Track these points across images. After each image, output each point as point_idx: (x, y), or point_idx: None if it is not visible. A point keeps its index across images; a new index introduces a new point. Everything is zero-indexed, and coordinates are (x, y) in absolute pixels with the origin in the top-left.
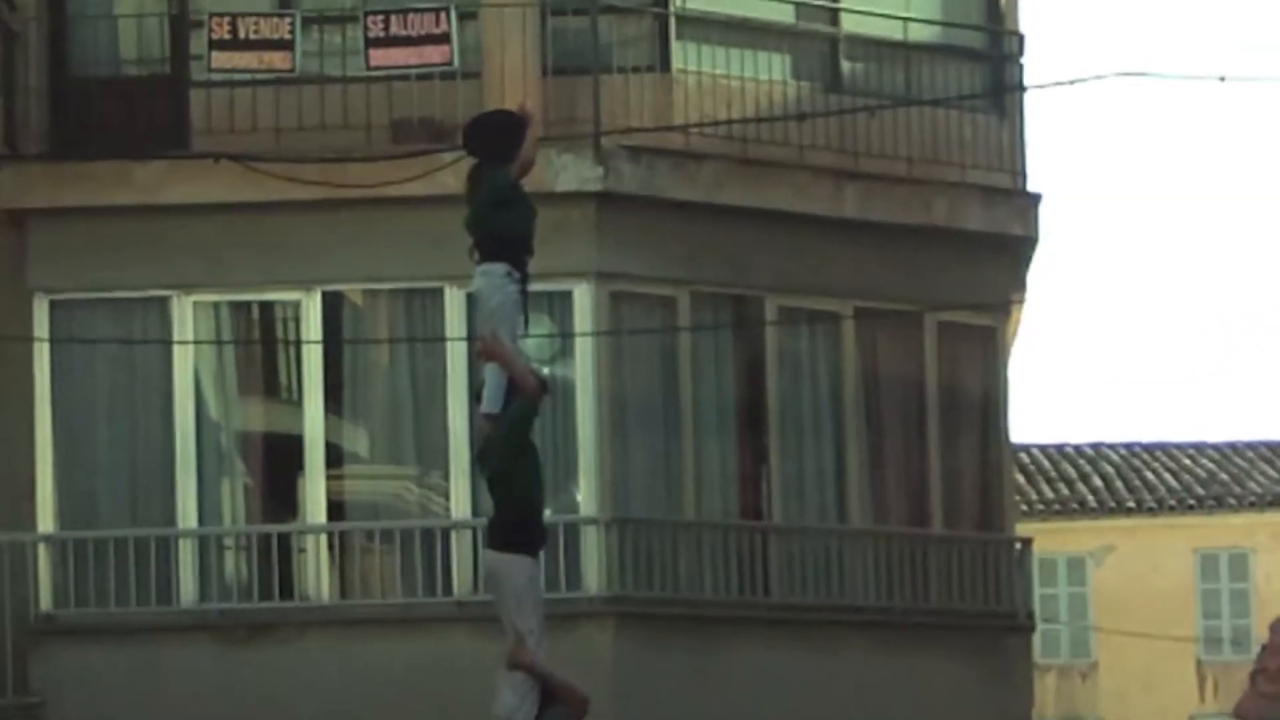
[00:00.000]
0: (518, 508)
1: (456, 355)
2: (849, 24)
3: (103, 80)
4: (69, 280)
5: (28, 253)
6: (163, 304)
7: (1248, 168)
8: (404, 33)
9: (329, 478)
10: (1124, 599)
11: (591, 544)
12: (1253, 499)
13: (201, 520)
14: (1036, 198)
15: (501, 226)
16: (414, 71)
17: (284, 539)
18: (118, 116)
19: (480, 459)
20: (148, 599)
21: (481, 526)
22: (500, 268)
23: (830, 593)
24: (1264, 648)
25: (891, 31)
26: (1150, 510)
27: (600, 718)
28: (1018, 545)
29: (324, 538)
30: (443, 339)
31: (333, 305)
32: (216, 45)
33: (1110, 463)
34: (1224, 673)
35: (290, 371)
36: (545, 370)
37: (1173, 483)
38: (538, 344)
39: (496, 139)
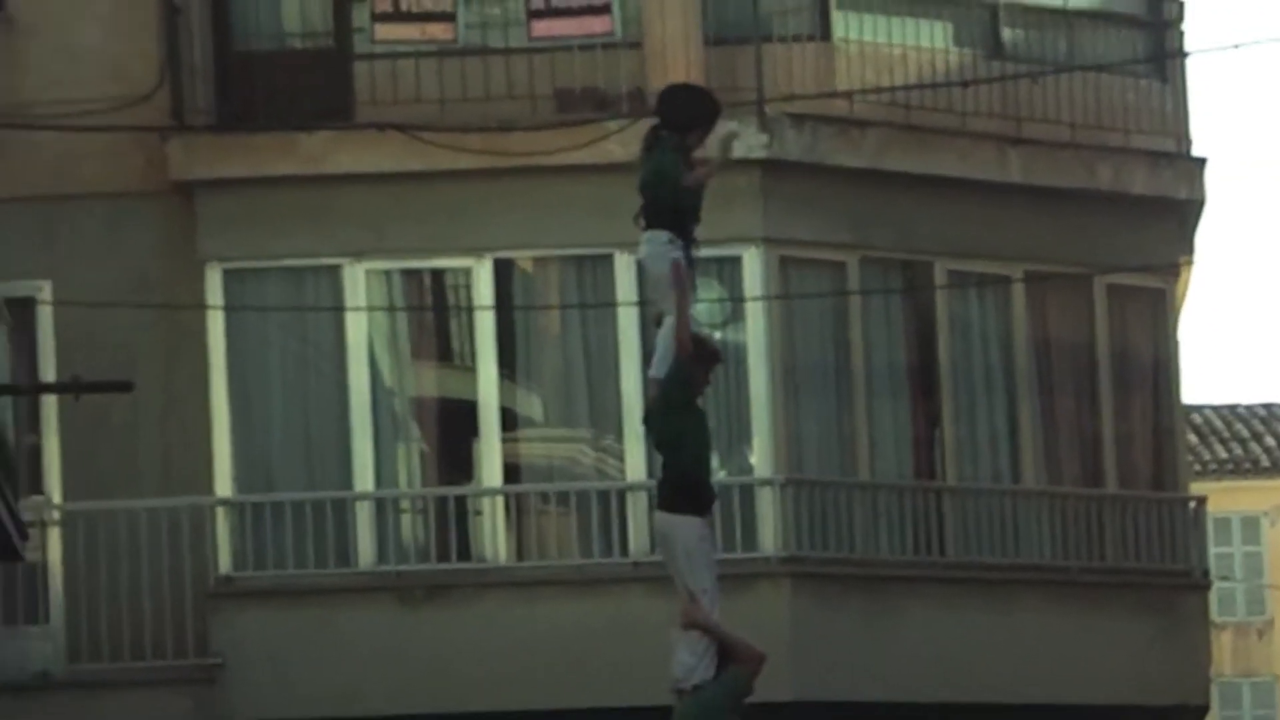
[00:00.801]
0: (685, 468)
1: (627, 320)
2: None
3: (267, 54)
4: (239, 249)
5: (198, 223)
6: (334, 272)
7: None
8: (565, 4)
9: (504, 441)
10: None
11: (767, 505)
12: None
13: (378, 483)
14: (1202, 161)
15: (665, 198)
16: (575, 42)
17: (460, 501)
18: (282, 89)
19: (646, 421)
20: (325, 561)
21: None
22: (663, 235)
23: (1005, 552)
24: None
25: None
26: None
27: (777, 677)
28: (1192, 504)
29: (500, 500)
30: (613, 304)
31: (504, 272)
32: (379, 17)
33: None
34: None
35: (463, 337)
36: (717, 335)
37: None
38: (708, 309)
39: (684, 107)
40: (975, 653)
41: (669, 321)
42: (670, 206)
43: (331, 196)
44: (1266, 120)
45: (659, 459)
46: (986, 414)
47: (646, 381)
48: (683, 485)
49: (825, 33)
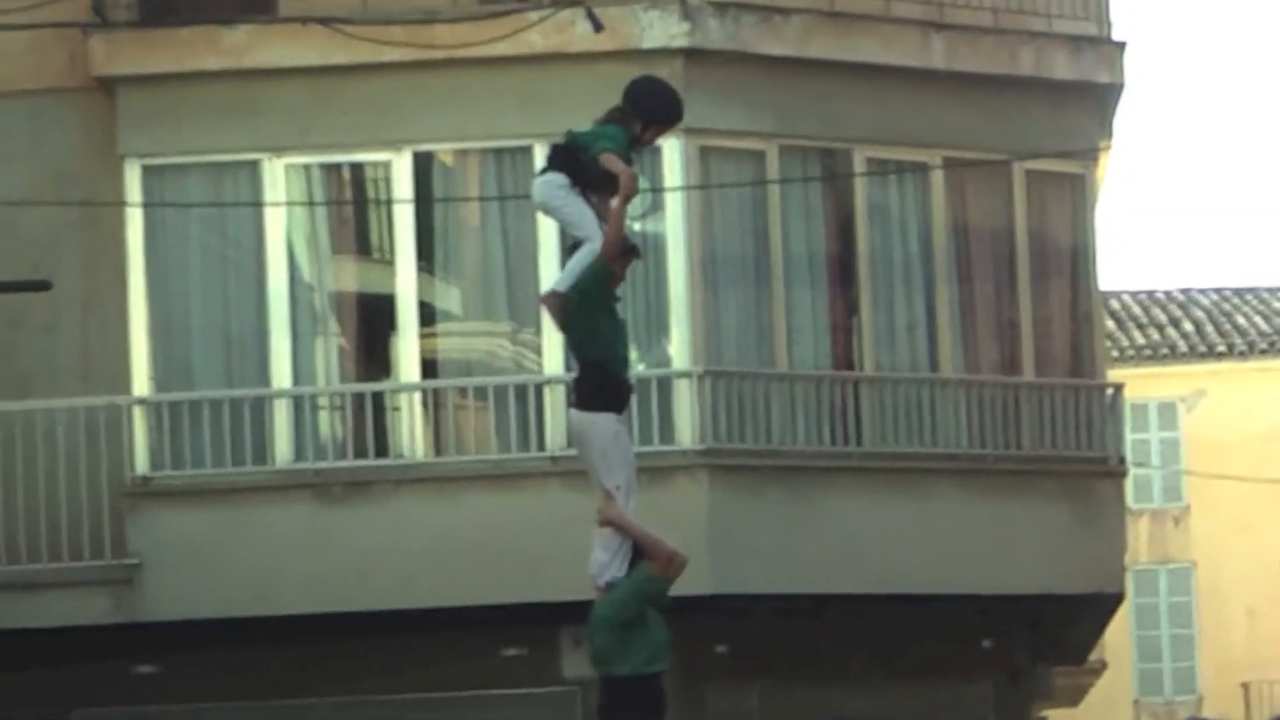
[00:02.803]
0: (599, 365)
1: None
2: None
3: None
4: (160, 146)
5: (118, 119)
6: (254, 167)
7: None
8: None
9: (422, 336)
10: (1216, 443)
11: (684, 397)
12: None
13: (296, 380)
14: (1122, 45)
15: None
16: None
17: (378, 397)
18: None
19: (563, 326)
20: (243, 459)
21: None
22: (562, 178)
23: (922, 441)
24: None
25: None
26: (1241, 354)
27: (694, 569)
28: (1109, 390)
29: (418, 395)
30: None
31: (423, 165)
32: None
33: (1200, 307)
34: None
35: (382, 231)
36: (636, 226)
37: (1263, 325)
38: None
39: (651, 102)
40: (892, 543)
41: (586, 248)
42: (584, 165)
43: (253, 91)
44: (1183, 4)
45: None
46: (905, 302)
47: (545, 294)
48: (596, 383)
49: None
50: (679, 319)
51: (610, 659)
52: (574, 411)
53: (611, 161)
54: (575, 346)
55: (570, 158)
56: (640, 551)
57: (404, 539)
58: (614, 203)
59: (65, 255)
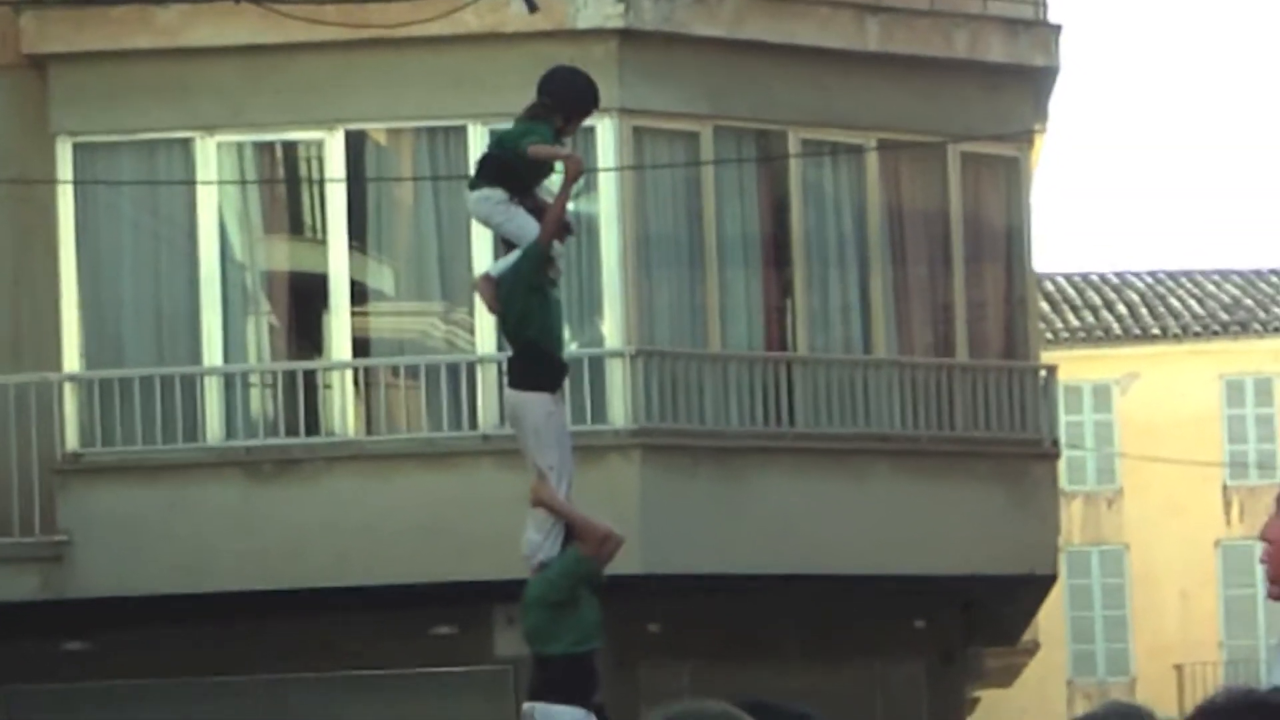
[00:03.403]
0: (533, 344)
1: None
2: None
3: None
4: (91, 123)
5: (50, 97)
6: (186, 145)
7: None
8: None
9: (354, 314)
10: (1149, 425)
11: (617, 377)
12: (1277, 324)
13: (227, 358)
14: (1057, 28)
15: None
16: None
17: (309, 375)
18: None
19: (499, 314)
20: (174, 436)
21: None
22: (499, 193)
23: (856, 422)
24: None
25: None
26: (1175, 337)
27: (627, 548)
28: (1042, 373)
29: (349, 374)
30: (466, 176)
31: (356, 144)
32: None
33: (1134, 290)
34: (1250, 497)
35: (314, 210)
36: (569, 205)
37: (1197, 309)
38: (561, 180)
39: (570, 93)
40: (825, 523)
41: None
42: (517, 172)
43: (186, 70)
44: None
45: None
46: (839, 284)
47: (479, 279)
48: (531, 362)
49: None
50: (612, 299)
51: (543, 638)
52: (509, 390)
53: (543, 150)
54: (510, 326)
55: (502, 167)
56: (572, 532)
57: (335, 517)
58: (557, 183)
59: None
